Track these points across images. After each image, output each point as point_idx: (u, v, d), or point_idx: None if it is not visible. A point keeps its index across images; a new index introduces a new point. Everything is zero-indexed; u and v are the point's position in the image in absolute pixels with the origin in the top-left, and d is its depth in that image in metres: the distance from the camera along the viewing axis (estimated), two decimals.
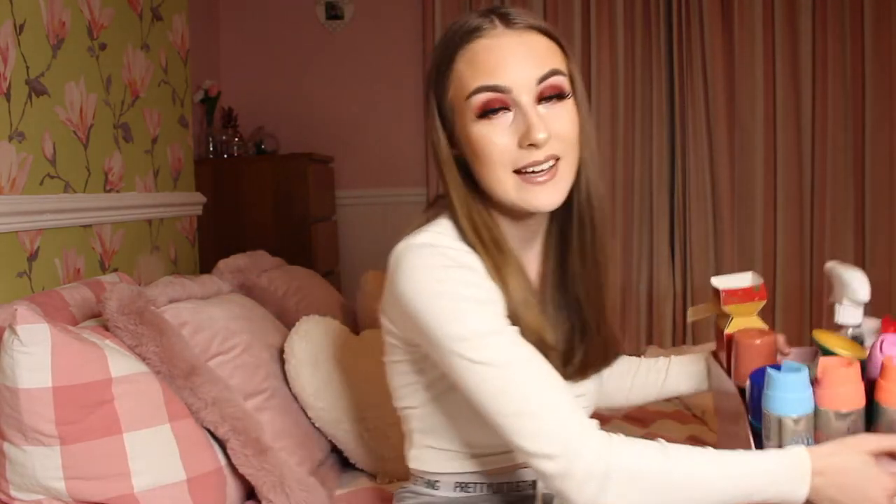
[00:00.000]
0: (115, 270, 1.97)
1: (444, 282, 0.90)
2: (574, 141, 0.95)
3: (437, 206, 1.05)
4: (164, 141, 2.31)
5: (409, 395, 1.05)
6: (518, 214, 0.99)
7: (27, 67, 1.64)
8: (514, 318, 0.93)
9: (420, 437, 1.06)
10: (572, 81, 0.96)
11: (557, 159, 0.93)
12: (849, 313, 1.03)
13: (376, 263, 2.74)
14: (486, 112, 0.92)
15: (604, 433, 0.87)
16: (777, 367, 0.89)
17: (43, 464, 1.09)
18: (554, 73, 0.92)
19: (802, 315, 3.14)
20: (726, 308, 1.11)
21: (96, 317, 1.38)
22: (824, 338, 0.96)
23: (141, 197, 2.14)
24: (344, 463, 1.55)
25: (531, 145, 0.90)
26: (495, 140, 0.92)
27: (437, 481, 1.06)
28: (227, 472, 1.28)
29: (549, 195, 0.94)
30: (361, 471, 1.52)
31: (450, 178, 1.00)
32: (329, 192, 3.18)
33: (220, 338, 1.39)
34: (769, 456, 0.85)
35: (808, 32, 3.06)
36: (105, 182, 1.97)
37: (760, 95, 3.11)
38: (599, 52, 3.14)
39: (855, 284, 1.02)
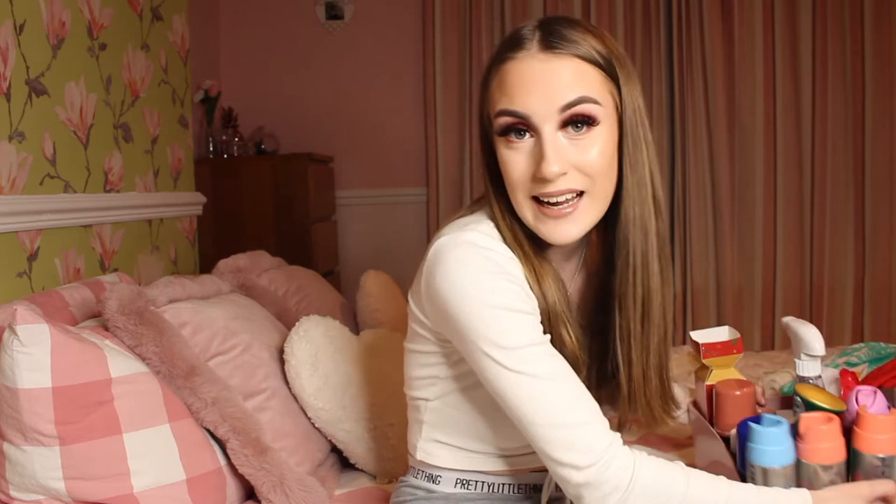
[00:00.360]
0: (115, 270, 1.97)
1: (485, 288, 0.89)
2: (603, 172, 0.91)
3: (482, 202, 1.03)
4: (164, 141, 2.31)
5: (426, 386, 1.05)
6: None
7: (27, 67, 1.64)
8: (547, 328, 0.94)
9: (429, 429, 1.06)
10: (618, 108, 0.93)
11: (580, 194, 0.91)
12: (808, 366, 1.09)
13: (376, 263, 2.75)
14: (508, 134, 0.92)
15: (628, 448, 0.89)
16: (757, 420, 0.95)
17: (42, 464, 1.09)
18: (581, 100, 0.89)
19: (802, 315, 3.14)
20: (706, 361, 1.17)
21: (96, 317, 1.38)
22: (806, 392, 1.01)
23: (141, 197, 2.14)
24: (344, 463, 1.55)
25: (544, 179, 0.89)
26: (514, 165, 0.92)
27: (438, 476, 1.06)
28: (226, 472, 1.28)
29: (563, 230, 0.92)
30: (361, 471, 1.52)
31: (492, 189, 0.99)
32: (329, 192, 3.18)
33: (220, 338, 1.38)
34: (777, 493, 0.89)
35: (808, 32, 3.06)
36: (105, 182, 1.97)
37: (760, 95, 3.11)
38: None
39: (810, 339, 1.08)
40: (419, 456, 1.07)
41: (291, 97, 3.32)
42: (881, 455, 0.91)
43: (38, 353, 1.08)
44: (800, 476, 0.94)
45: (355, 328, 2.02)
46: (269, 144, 3.06)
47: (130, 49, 2.11)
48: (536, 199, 0.92)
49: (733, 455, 1.04)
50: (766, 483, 0.94)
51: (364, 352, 1.56)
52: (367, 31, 3.31)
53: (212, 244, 2.72)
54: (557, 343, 0.94)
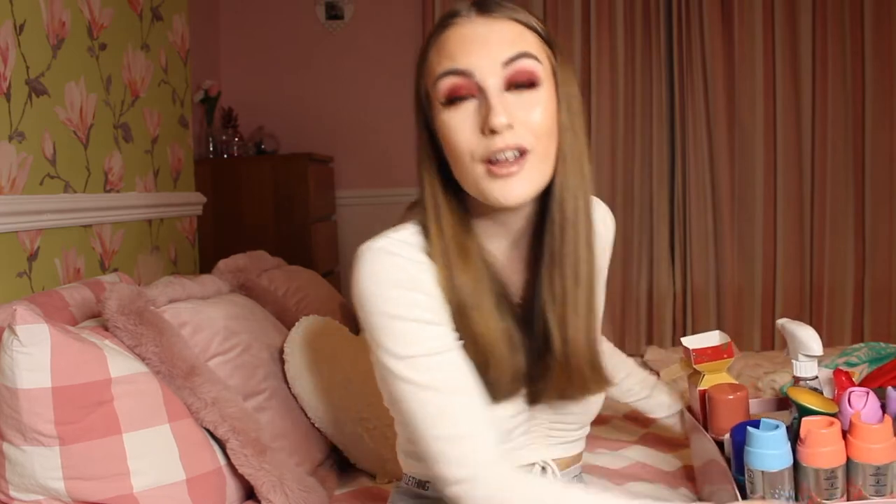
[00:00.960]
0: (115, 270, 1.97)
1: (386, 298, 0.89)
2: (547, 133, 0.89)
3: (417, 206, 1.00)
4: (164, 141, 2.31)
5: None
6: (495, 213, 0.94)
7: (27, 67, 1.64)
8: (465, 325, 0.92)
9: (403, 441, 1.07)
10: (555, 73, 0.92)
11: (525, 152, 0.88)
12: (805, 367, 1.09)
13: None
14: (452, 99, 0.88)
15: (510, 467, 0.88)
16: (755, 424, 0.95)
17: (42, 464, 1.09)
18: (523, 55, 0.87)
19: (802, 316, 3.14)
20: (698, 366, 1.17)
21: (96, 317, 1.38)
22: (799, 395, 1.00)
23: (141, 197, 2.14)
24: (343, 463, 1.55)
25: (492, 132, 0.86)
26: (459, 128, 0.88)
27: (427, 482, 1.06)
28: (226, 472, 1.28)
29: (512, 188, 0.87)
30: (361, 471, 1.52)
31: (425, 176, 0.96)
32: (329, 192, 3.18)
33: (220, 338, 1.39)
34: None
35: (808, 32, 3.06)
36: (105, 182, 1.97)
37: (760, 95, 3.11)
38: (599, 52, 3.14)
39: (807, 340, 1.07)
40: (405, 468, 1.09)
41: (291, 97, 3.32)
42: (876, 464, 0.91)
43: (37, 354, 1.08)
44: (799, 479, 0.93)
45: (355, 328, 2.02)
46: (269, 144, 3.06)
47: (130, 49, 2.11)
48: (485, 163, 0.88)
49: (728, 459, 1.04)
50: (765, 486, 0.93)
51: (364, 352, 1.56)
52: (367, 31, 3.31)
53: (212, 244, 2.72)
54: (469, 336, 0.91)
